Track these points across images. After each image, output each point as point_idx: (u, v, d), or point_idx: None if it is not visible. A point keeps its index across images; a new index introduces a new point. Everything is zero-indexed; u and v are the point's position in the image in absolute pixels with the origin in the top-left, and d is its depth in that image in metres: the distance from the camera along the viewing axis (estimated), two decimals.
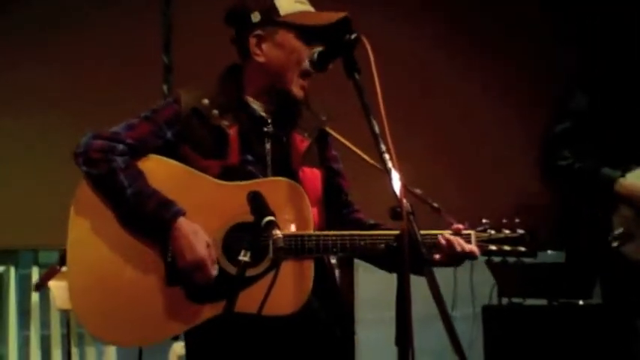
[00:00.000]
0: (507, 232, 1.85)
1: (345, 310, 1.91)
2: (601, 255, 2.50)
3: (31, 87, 3.27)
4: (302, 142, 1.85)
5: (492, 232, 1.85)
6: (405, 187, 1.62)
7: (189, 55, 3.40)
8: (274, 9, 1.79)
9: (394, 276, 1.51)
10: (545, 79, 3.53)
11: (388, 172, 1.54)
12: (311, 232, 1.74)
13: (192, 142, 1.79)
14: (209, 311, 1.69)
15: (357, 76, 1.65)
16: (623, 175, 2.51)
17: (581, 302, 3.15)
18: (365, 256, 1.86)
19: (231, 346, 1.74)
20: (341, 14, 1.76)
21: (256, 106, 1.84)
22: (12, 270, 3.32)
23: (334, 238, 1.74)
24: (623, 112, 2.59)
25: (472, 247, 1.80)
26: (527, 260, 1.87)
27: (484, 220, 1.86)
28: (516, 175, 3.54)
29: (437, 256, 1.79)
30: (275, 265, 1.65)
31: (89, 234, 1.72)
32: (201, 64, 3.38)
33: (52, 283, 3.14)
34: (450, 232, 1.81)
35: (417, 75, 3.62)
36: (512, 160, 3.56)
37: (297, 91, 1.81)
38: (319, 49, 1.76)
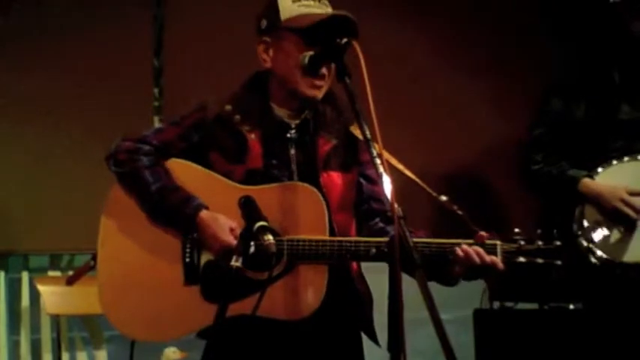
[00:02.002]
0: (540, 243, 1.74)
1: (366, 317, 1.86)
2: (578, 260, 2.51)
3: (23, 92, 3.24)
4: (325, 144, 1.83)
5: (523, 242, 1.74)
6: (431, 193, 1.62)
7: (181, 58, 3.39)
8: (277, 14, 1.81)
9: (386, 279, 1.51)
10: (538, 74, 3.54)
11: (380, 177, 1.55)
12: (305, 237, 1.73)
13: (218, 147, 1.82)
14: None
15: (347, 81, 1.66)
16: (590, 176, 2.54)
17: (571, 306, 3.16)
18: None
19: (244, 346, 1.77)
20: (336, 12, 1.76)
21: (281, 112, 1.85)
22: (2, 274, 3.30)
23: (325, 243, 1.73)
24: (597, 114, 2.62)
25: (494, 259, 1.70)
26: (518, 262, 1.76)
27: (516, 230, 1.74)
28: (508, 173, 3.55)
29: (456, 269, 1.72)
30: (289, 269, 1.70)
31: (117, 235, 1.81)
32: (192, 67, 3.39)
33: (42, 288, 3.13)
34: (472, 241, 1.73)
35: (410, 73, 3.62)
36: (506, 158, 3.57)
37: (306, 90, 1.79)
38: (310, 53, 1.76)
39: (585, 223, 2.51)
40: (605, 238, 2.49)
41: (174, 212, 1.77)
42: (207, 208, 1.77)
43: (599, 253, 2.48)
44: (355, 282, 1.85)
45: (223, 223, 1.74)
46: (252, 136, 1.81)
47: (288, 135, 1.84)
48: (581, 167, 2.59)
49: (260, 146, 1.81)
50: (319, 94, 1.80)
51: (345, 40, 1.67)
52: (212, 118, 1.84)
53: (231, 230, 1.73)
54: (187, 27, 3.41)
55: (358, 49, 1.61)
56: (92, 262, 1.87)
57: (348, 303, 1.82)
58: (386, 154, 1.83)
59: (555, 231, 1.73)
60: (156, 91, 3.40)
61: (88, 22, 3.30)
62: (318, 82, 1.79)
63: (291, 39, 1.78)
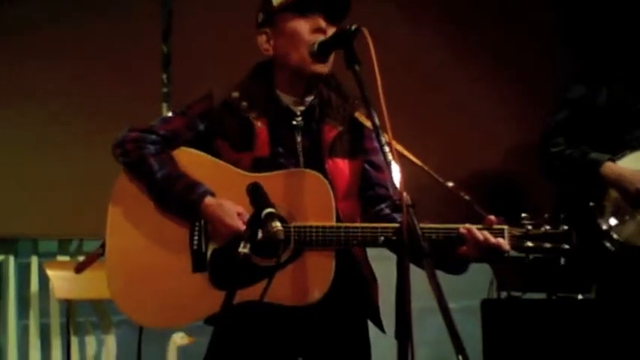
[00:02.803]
0: (548, 227, 1.73)
1: (372, 302, 1.86)
2: (595, 250, 2.50)
3: (30, 77, 3.24)
4: (330, 131, 1.83)
5: (530, 227, 1.73)
6: (438, 179, 1.61)
7: (189, 44, 3.38)
8: (270, 3, 1.82)
9: (392, 267, 1.50)
10: (547, 76, 3.53)
11: (388, 165, 1.54)
12: (313, 223, 1.73)
13: (224, 135, 1.83)
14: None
15: (357, 68, 1.65)
16: (612, 160, 2.53)
17: (580, 296, 3.15)
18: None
19: (252, 332, 1.78)
20: None
21: (287, 99, 1.85)
22: (11, 259, 3.32)
23: (332, 230, 1.72)
24: (618, 102, 2.61)
25: (499, 240, 1.69)
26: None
27: (523, 215, 1.73)
28: (518, 169, 3.54)
29: (463, 248, 1.71)
30: (296, 255, 1.70)
31: (125, 224, 1.82)
32: (200, 53, 3.38)
33: (52, 273, 3.15)
34: (480, 225, 1.72)
35: (418, 70, 3.60)
36: (514, 155, 3.56)
37: (312, 66, 1.79)
38: (320, 39, 1.76)
39: (605, 207, 2.49)
40: (625, 222, 2.48)
41: (180, 199, 1.78)
42: (212, 194, 1.77)
43: (616, 236, 2.47)
44: (361, 267, 1.85)
45: (229, 209, 1.74)
46: (259, 123, 1.81)
47: (294, 122, 1.84)
48: (602, 150, 2.58)
49: (267, 134, 1.81)
50: (325, 69, 1.80)
51: (354, 26, 1.66)
52: (218, 106, 1.84)
53: (239, 215, 1.74)
54: (196, 13, 3.40)
55: (368, 35, 1.60)
56: (100, 250, 1.87)
57: (354, 289, 1.82)
58: (394, 142, 1.82)
59: (562, 215, 1.75)
60: (164, 77, 3.40)
61: (96, 8, 3.29)
62: (325, 57, 1.78)
63: (288, 17, 1.79)
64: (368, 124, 1.81)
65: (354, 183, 1.85)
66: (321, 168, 1.79)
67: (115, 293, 1.82)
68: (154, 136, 1.83)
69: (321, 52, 1.75)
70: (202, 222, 1.79)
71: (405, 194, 1.49)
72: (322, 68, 1.79)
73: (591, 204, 2.52)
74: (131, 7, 3.32)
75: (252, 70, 1.91)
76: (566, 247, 1.71)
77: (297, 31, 1.78)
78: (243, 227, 1.69)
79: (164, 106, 3.36)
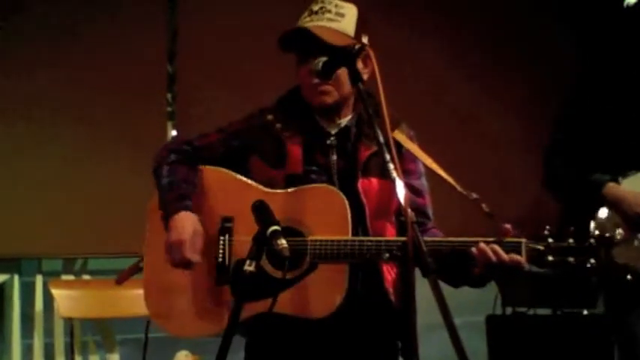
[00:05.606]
0: (571, 241, 1.62)
1: (395, 316, 1.79)
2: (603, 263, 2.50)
3: (34, 95, 3.26)
4: (365, 151, 1.84)
5: (551, 240, 1.63)
6: (462, 192, 1.61)
7: (194, 64, 3.42)
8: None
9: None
10: (551, 88, 3.55)
11: (393, 182, 1.55)
12: (328, 237, 1.73)
13: (260, 153, 1.87)
14: (248, 310, 1.71)
15: (361, 86, 1.66)
16: (614, 180, 2.52)
17: (585, 312, 3.15)
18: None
19: (273, 344, 1.81)
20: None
21: (321, 120, 1.88)
22: (15, 278, 3.32)
23: (347, 243, 1.73)
24: (618, 119, 2.60)
25: (514, 257, 1.63)
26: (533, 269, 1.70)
27: (547, 227, 1.64)
28: (522, 184, 3.55)
29: (476, 270, 1.67)
30: (312, 269, 1.72)
31: (158, 239, 1.85)
32: (205, 73, 3.42)
33: (56, 292, 3.14)
34: (492, 239, 1.65)
35: (422, 81, 3.63)
36: (520, 172, 3.57)
37: (313, 99, 1.83)
38: (323, 58, 1.77)
39: (605, 228, 2.47)
40: (624, 244, 2.46)
41: (166, 205, 1.82)
42: (191, 211, 1.80)
43: (615, 258, 2.45)
44: (389, 289, 1.81)
45: (190, 224, 1.76)
46: (293, 142, 1.84)
47: (328, 142, 1.86)
48: (603, 170, 2.57)
49: (300, 152, 1.84)
50: (326, 99, 1.82)
51: (357, 45, 1.67)
52: (256, 127, 1.89)
53: (194, 233, 1.75)
54: (200, 33, 3.43)
55: (372, 54, 1.61)
56: (141, 264, 1.93)
57: (379, 310, 1.80)
58: (415, 149, 1.84)
59: (593, 225, 1.65)
60: (169, 96, 3.43)
61: (102, 28, 3.32)
62: (321, 88, 1.81)
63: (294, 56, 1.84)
64: (408, 144, 1.83)
65: (388, 202, 1.83)
66: (353, 187, 1.80)
67: (150, 307, 1.88)
68: (186, 147, 1.90)
69: (324, 71, 1.77)
70: (227, 236, 1.81)
71: (409, 211, 1.50)
72: (321, 98, 1.81)
73: (594, 228, 2.51)
74: (137, 27, 3.36)
75: (290, 90, 1.94)
76: (593, 262, 1.61)
77: (299, 73, 1.84)
78: (186, 242, 1.72)
79: (169, 124, 3.39)
